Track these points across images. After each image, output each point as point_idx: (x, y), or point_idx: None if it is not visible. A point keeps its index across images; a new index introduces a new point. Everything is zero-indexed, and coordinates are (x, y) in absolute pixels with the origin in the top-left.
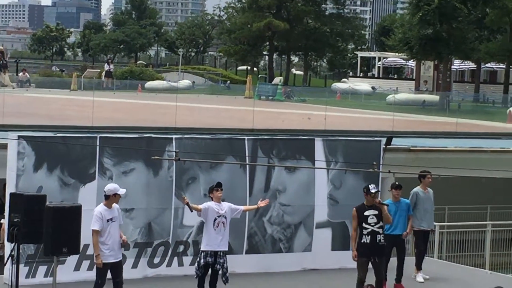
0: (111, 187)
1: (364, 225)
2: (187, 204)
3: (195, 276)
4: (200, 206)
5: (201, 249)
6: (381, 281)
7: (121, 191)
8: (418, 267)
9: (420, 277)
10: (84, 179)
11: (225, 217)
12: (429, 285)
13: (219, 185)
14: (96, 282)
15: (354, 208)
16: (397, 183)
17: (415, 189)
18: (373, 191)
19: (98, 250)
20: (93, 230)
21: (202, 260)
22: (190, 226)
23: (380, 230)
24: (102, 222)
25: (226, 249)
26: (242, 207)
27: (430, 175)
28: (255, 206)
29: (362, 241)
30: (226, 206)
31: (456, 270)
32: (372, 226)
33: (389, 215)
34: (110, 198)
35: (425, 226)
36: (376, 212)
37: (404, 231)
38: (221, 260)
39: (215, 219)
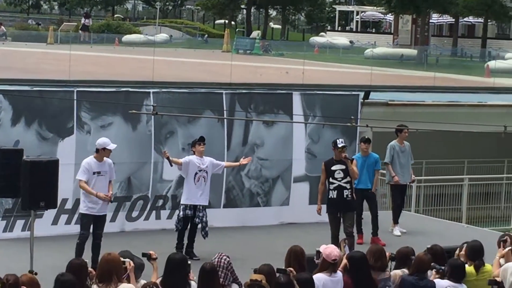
0: (101, 141)
1: (331, 179)
2: (168, 158)
3: (175, 230)
4: (181, 160)
5: (181, 202)
6: (349, 233)
7: (111, 146)
8: (395, 221)
9: (397, 231)
10: (63, 133)
11: (206, 172)
12: (406, 239)
13: (202, 140)
14: (79, 234)
15: (323, 162)
16: (366, 136)
17: (391, 143)
18: (340, 145)
19: (93, 191)
20: (79, 180)
21: (181, 213)
22: (169, 181)
23: (348, 185)
24: (88, 174)
25: (206, 204)
26: (224, 163)
27: (407, 129)
28: (237, 163)
29: (329, 196)
30: (207, 160)
31: (433, 224)
32: (339, 181)
33: (356, 170)
34: (99, 152)
35: (401, 180)
36: (343, 167)
37: (372, 185)
38: (200, 214)
39: (196, 173)
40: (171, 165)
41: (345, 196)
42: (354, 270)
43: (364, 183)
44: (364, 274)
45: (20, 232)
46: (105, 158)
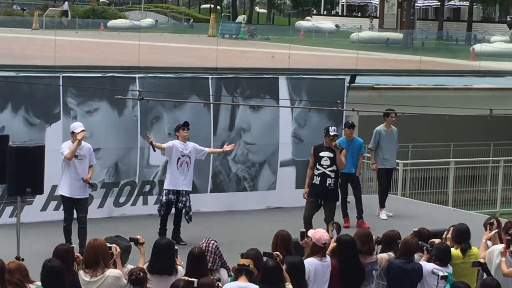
0: (71, 125)
1: (317, 166)
2: (151, 143)
3: (158, 214)
4: (164, 145)
5: (164, 187)
6: (329, 222)
7: (77, 130)
8: (382, 204)
9: (383, 215)
10: (50, 119)
11: (189, 157)
12: (393, 222)
13: (186, 125)
14: (64, 216)
15: (313, 147)
16: (350, 121)
17: (378, 128)
18: (332, 133)
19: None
20: (65, 156)
21: (164, 198)
22: (156, 166)
23: (332, 174)
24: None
25: (189, 189)
26: (207, 149)
27: (394, 114)
28: (221, 150)
29: (313, 182)
30: (191, 146)
31: (419, 207)
32: (324, 168)
33: (343, 160)
34: (72, 136)
35: (387, 165)
36: (331, 155)
37: (355, 169)
38: (183, 199)
39: (179, 158)
40: (154, 150)
41: (327, 184)
42: (342, 254)
43: (348, 167)
44: (352, 258)
45: (7, 218)
46: (83, 143)
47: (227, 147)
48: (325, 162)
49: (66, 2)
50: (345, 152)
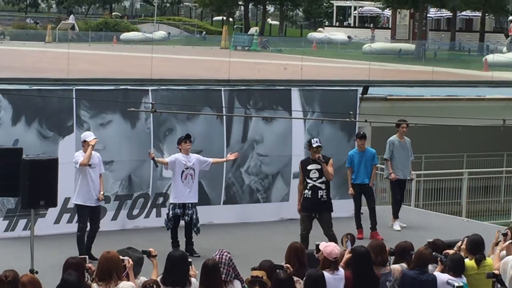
0: (82, 134)
1: (307, 179)
2: (153, 159)
3: (166, 228)
4: (167, 159)
5: (170, 201)
6: (330, 235)
7: (89, 138)
8: (395, 215)
9: (397, 226)
10: (63, 132)
11: (193, 169)
12: (406, 233)
13: (187, 137)
14: (78, 226)
15: (300, 161)
16: (361, 132)
17: (391, 138)
18: (314, 145)
19: (89, 155)
20: (81, 163)
21: (170, 212)
22: (169, 178)
23: (323, 186)
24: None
25: (195, 201)
26: (211, 159)
27: (406, 124)
28: (224, 159)
29: (305, 196)
30: (194, 158)
31: (433, 218)
32: (314, 181)
33: (330, 171)
34: (83, 145)
35: (401, 175)
36: (319, 166)
37: (369, 180)
38: (190, 212)
39: (183, 171)
40: (157, 166)
41: (319, 197)
42: (357, 265)
43: (362, 178)
44: (367, 269)
45: (21, 231)
46: (93, 152)
47: (230, 156)
48: (314, 174)
49: (72, 15)
50: (332, 162)
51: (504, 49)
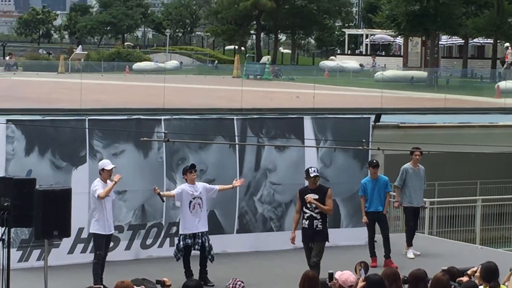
0: (100, 162)
1: (304, 209)
2: (159, 194)
3: (175, 260)
4: (173, 192)
5: (180, 232)
6: (313, 263)
7: (108, 166)
8: (409, 243)
9: (410, 253)
10: (76, 162)
11: (201, 198)
12: (420, 261)
13: (192, 167)
14: (95, 254)
15: (298, 190)
16: (374, 161)
17: (404, 166)
18: (312, 174)
19: (113, 182)
20: (99, 196)
21: (181, 243)
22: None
23: (318, 216)
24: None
25: (206, 229)
26: (218, 187)
27: (420, 152)
28: (230, 186)
29: (302, 226)
30: (200, 186)
31: (446, 246)
32: (311, 211)
33: (326, 207)
34: (101, 173)
35: (414, 203)
36: (316, 196)
37: (383, 208)
38: (200, 241)
39: (191, 202)
40: (163, 201)
41: (314, 226)
42: None
43: (375, 206)
44: None
45: (35, 262)
46: (108, 180)
47: (236, 182)
48: (311, 204)
49: (80, 46)
50: (331, 193)
51: None
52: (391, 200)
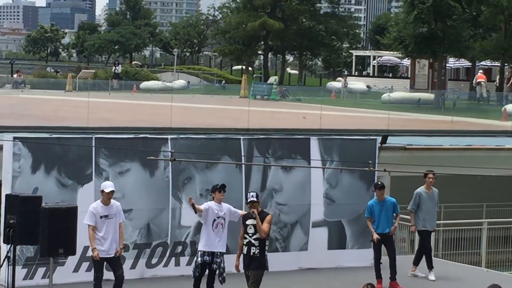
0: (101, 184)
1: (245, 235)
2: (193, 205)
3: (192, 276)
4: (202, 207)
5: (199, 248)
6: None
7: (107, 189)
8: (429, 266)
9: (432, 276)
10: (82, 180)
11: (224, 219)
12: (426, 284)
13: (223, 187)
14: (94, 276)
15: (242, 215)
16: (380, 182)
17: (418, 190)
18: (249, 199)
19: (93, 243)
20: (88, 226)
21: (199, 259)
22: (187, 227)
23: (256, 242)
24: (95, 218)
25: (224, 250)
26: (241, 211)
27: (432, 175)
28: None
29: (242, 252)
30: (225, 207)
31: (452, 268)
32: (250, 236)
33: (263, 228)
34: (101, 195)
35: (428, 227)
36: (255, 222)
37: (387, 229)
38: (218, 260)
39: (214, 220)
40: (196, 212)
41: (251, 253)
42: None
43: (382, 228)
44: None
45: (40, 279)
46: (112, 201)
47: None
48: (250, 230)
49: (120, 66)
50: (270, 218)
51: None
52: (406, 224)
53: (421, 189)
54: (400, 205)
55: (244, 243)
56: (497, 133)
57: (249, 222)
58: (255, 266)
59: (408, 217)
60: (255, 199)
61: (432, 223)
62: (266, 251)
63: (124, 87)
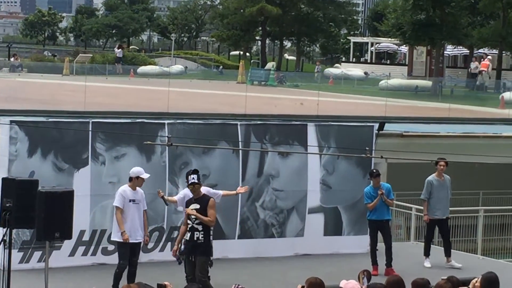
0: (134, 169)
1: (188, 220)
2: (162, 197)
3: (178, 263)
4: (175, 198)
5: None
6: (201, 282)
7: (145, 175)
8: (447, 254)
9: (454, 263)
10: (78, 164)
11: None
12: (422, 270)
13: (195, 172)
14: (118, 263)
15: (185, 201)
16: (374, 170)
17: (429, 178)
18: (190, 181)
19: (122, 226)
20: (115, 207)
21: (182, 246)
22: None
23: (199, 227)
24: (124, 201)
25: None
26: (222, 192)
27: (445, 162)
28: (234, 192)
29: (184, 237)
30: (204, 191)
31: None
32: (193, 222)
33: (206, 219)
34: (133, 181)
35: (439, 215)
36: (198, 206)
37: (386, 216)
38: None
39: None
40: (167, 204)
41: (195, 238)
42: None
43: (378, 214)
44: None
45: (35, 263)
46: (137, 188)
47: (240, 189)
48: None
49: (121, 50)
50: (213, 203)
51: None
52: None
53: (432, 177)
54: (398, 192)
55: (188, 229)
56: (494, 121)
57: (192, 206)
58: (201, 252)
59: (405, 204)
60: (196, 181)
61: (445, 211)
62: (211, 236)
63: (121, 72)
